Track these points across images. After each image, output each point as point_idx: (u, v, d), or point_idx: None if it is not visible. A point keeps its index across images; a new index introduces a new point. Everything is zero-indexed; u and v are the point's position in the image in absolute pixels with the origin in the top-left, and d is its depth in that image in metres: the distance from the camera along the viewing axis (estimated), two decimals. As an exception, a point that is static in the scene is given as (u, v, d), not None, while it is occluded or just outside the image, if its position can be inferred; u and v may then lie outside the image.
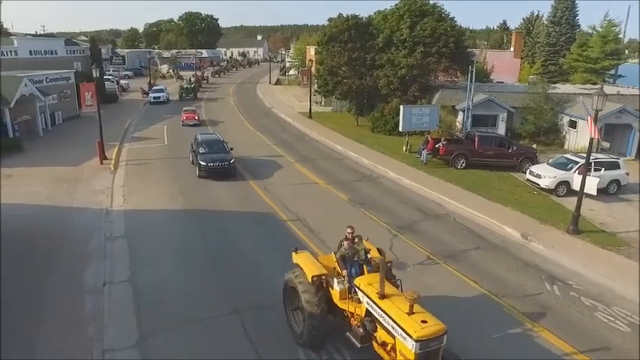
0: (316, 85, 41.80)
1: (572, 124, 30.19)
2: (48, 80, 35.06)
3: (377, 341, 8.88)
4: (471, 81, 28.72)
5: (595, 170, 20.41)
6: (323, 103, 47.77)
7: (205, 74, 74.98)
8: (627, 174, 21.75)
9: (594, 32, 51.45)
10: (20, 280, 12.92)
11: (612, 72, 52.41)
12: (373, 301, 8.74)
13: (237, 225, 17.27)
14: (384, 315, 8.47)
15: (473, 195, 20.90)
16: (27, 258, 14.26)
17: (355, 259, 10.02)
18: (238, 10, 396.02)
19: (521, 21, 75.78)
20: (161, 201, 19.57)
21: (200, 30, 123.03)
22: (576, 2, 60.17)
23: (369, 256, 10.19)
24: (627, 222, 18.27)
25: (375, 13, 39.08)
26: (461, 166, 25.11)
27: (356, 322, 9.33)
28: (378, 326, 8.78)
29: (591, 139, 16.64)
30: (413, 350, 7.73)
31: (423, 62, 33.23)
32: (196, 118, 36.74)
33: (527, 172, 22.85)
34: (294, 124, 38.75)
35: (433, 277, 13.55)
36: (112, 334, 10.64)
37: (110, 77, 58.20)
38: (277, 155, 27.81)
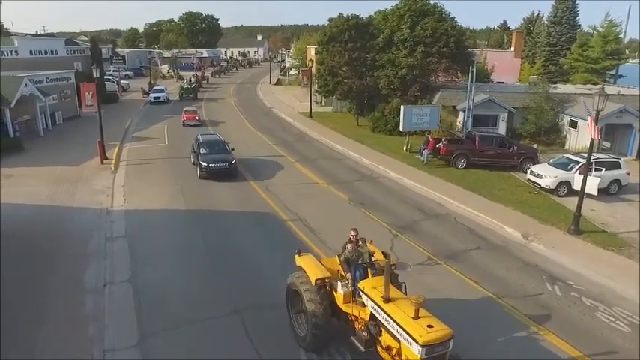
0: (317, 85, 41.79)
1: (573, 124, 30.18)
2: (48, 80, 35.07)
3: (381, 345, 8.74)
4: (472, 81, 28.70)
5: (596, 170, 20.40)
6: (323, 103, 47.77)
7: (205, 74, 74.99)
8: (628, 174, 21.73)
9: (595, 32, 51.44)
10: (20, 280, 12.92)
11: (613, 72, 52.40)
12: (378, 305, 8.63)
13: (238, 225, 17.27)
14: (389, 319, 8.36)
15: (473, 195, 20.88)
16: (27, 258, 14.26)
17: (359, 262, 9.86)
18: (238, 10, 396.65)
19: (522, 21, 75.82)
20: (161, 201, 19.56)
21: (200, 30, 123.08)
22: (577, 2, 60.23)
23: (373, 259, 10.03)
24: (628, 222, 18.25)
25: (375, 13, 39.08)
26: (461, 166, 25.10)
27: (360, 326, 9.21)
28: (383, 330, 8.66)
29: (592, 140, 16.63)
30: (419, 355, 7.61)
31: (423, 62, 33.21)
32: (197, 118, 36.68)
33: (528, 172, 22.84)
34: (295, 124, 38.74)
35: (434, 277, 13.54)
36: (113, 334, 10.63)
37: (110, 77, 58.21)
38: (278, 155, 27.80)
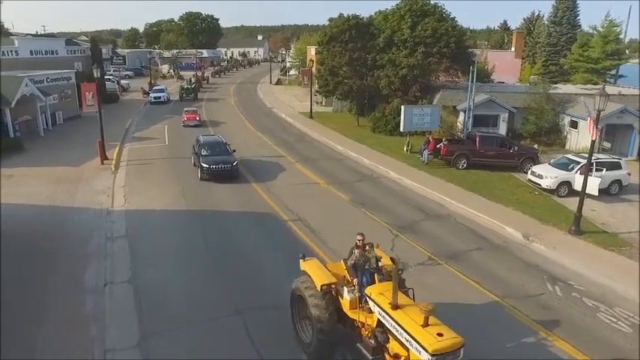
0: (317, 85, 41.78)
1: (574, 125, 30.15)
2: (49, 80, 35.07)
3: (389, 353, 8.53)
4: (472, 81, 28.67)
5: (597, 170, 20.36)
6: (324, 104, 47.74)
7: (206, 74, 74.98)
8: (629, 174, 21.71)
9: (595, 32, 51.39)
10: (20, 280, 12.90)
11: (613, 72, 52.37)
12: (386, 312, 8.44)
13: (238, 225, 17.25)
14: (397, 326, 8.16)
15: (474, 195, 20.87)
16: (27, 258, 14.25)
17: (366, 267, 9.66)
18: (239, 10, 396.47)
19: (522, 21, 75.70)
20: (162, 201, 19.55)
21: (200, 30, 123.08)
22: (577, 2, 60.17)
23: (380, 264, 9.84)
24: (629, 222, 18.22)
25: (375, 13, 39.08)
26: (462, 166, 25.08)
27: (367, 333, 9.03)
28: (391, 338, 8.46)
29: (593, 140, 16.61)
30: None
31: (424, 62, 33.18)
32: (197, 118, 36.59)
33: (529, 172, 22.82)
34: (295, 125, 38.72)
35: (435, 277, 13.52)
36: (114, 334, 10.62)
37: (111, 77, 58.24)
38: (278, 155, 27.79)
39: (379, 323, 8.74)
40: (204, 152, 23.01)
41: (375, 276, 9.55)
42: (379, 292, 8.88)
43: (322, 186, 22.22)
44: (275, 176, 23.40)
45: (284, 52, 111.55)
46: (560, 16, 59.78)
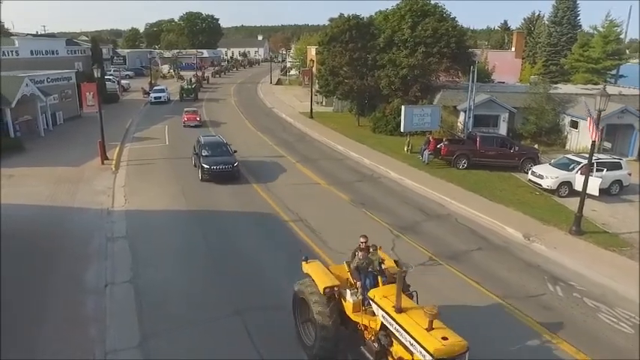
0: (317, 86, 41.78)
1: (574, 125, 30.14)
2: (49, 80, 35.07)
3: (393, 357, 8.46)
4: (473, 81, 28.65)
5: (597, 171, 20.35)
6: (324, 104, 47.74)
7: (206, 74, 74.98)
8: (629, 174, 21.69)
9: (596, 32, 51.37)
10: (20, 280, 12.90)
11: (614, 72, 52.35)
12: (389, 315, 8.36)
13: (239, 225, 17.24)
14: (401, 330, 8.08)
15: (475, 195, 20.85)
16: (27, 258, 14.24)
17: (369, 269, 9.58)
18: (239, 10, 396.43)
19: (523, 21, 75.62)
20: (162, 201, 19.54)
21: (201, 30, 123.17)
22: (577, 2, 60.17)
23: (383, 266, 9.75)
24: (630, 223, 18.20)
25: (376, 13, 39.10)
26: (462, 166, 25.06)
27: (370, 336, 8.94)
28: (394, 341, 8.37)
29: (593, 141, 16.60)
30: None
31: (424, 62, 33.18)
32: (198, 119, 36.51)
33: (529, 172, 22.80)
34: (295, 125, 38.71)
35: (435, 277, 13.49)
36: (114, 335, 10.61)
37: (111, 77, 58.23)
38: (278, 155, 27.78)
39: (383, 326, 8.66)
40: (204, 153, 22.89)
41: (379, 278, 9.47)
42: (383, 295, 8.80)
43: (323, 186, 22.20)
44: (275, 176, 23.39)
45: (284, 52, 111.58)
46: (560, 16, 59.76)
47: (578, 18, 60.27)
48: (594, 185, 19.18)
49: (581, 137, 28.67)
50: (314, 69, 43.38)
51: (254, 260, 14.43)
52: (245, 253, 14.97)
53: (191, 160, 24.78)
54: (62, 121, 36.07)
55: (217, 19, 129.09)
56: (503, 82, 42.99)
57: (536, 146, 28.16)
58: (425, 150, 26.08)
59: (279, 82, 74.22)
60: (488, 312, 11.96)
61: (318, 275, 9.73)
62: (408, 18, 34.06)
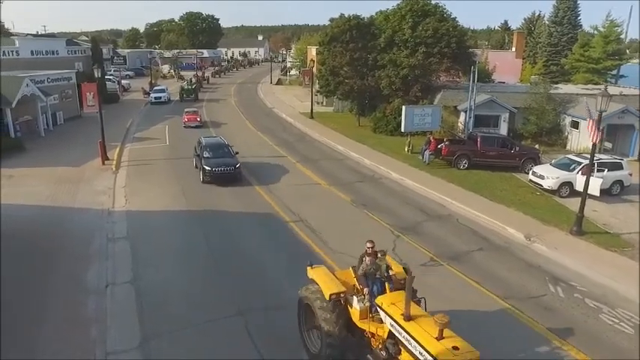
0: (318, 86, 41.75)
1: (575, 125, 30.11)
2: (49, 80, 35.07)
3: None
4: (473, 81, 28.63)
5: (598, 171, 20.32)
6: (324, 104, 47.72)
7: (206, 74, 74.97)
8: (630, 175, 21.66)
9: (596, 32, 51.37)
10: (20, 280, 12.89)
11: (614, 72, 52.33)
12: (398, 323, 8.13)
13: (240, 226, 17.22)
14: (409, 338, 7.83)
15: (475, 196, 20.83)
16: (27, 258, 14.23)
17: (377, 275, 9.30)
18: (239, 10, 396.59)
19: (523, 21, 75.66)
20: (163, 202, 19.52)
21: (201, 30, 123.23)
22: (578, 2, 60.19)
23: (390, 272, 9.45)
24: (630, 223, 18.17)
25: (376, 13, 39.03)
26: (463, 166, 25.04)
27: (377, 344, 8.72)
28: (403, 350, 8.13)
29: (594, 142, 16.57)
30: None
31: (425, 62, 33.16)
32: (198, 119, 36.38)
33: (530, 172, 22.77)
34: (296, 125, 38.69)
35: (436, 278, 13.48)
36: (115, 335, 10.60)
37: (111, 77, 58.29)
38: (279, 156, 27.76)
39: (390, 334, 8.44)
40: (206, 154, 22.67)
41: (386, 285, 9.23)
42: (391, 302, 8.59)
43: (323, 186, 22.19)
44: (276, 176, 23.36)
45: (284, 52, 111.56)
46: (561, 16, 59.76)
47: (579, 18, 60.37)
48: (595, 185, 19.15)
49: (582, 137, 28.62)
50: (314, 69, 43.38)
51: (255, 261, 14.41)
52: (246, 253, 14.94)
53: (192, 161, 24.74)
54: (62, 121, 36.07)
55: (217, 19, 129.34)
56: (504, 82, 43.00)
57: (536, 146, 28.14)
58: (425, 150, 26.05)
59: (279, 82, 74.22)
60: (488, 312, 11.92)
61: (324, 281, 9.47)
62: (409, 18, 34.05)
